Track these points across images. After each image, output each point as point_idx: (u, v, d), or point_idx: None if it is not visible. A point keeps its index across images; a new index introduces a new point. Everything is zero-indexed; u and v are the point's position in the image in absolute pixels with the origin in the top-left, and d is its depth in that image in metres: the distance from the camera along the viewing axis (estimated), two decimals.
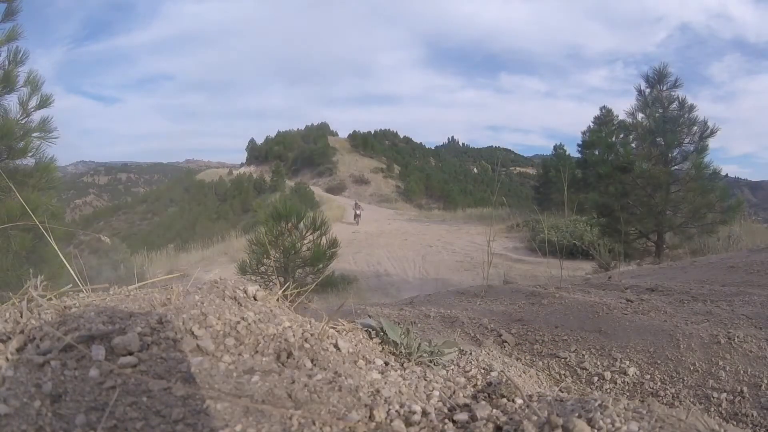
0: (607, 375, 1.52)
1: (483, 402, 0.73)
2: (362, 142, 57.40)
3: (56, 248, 1.50)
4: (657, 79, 8.71)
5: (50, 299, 0.88)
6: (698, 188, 7.97)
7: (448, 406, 0.71)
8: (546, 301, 2.19)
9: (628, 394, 1.43)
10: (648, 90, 8.82)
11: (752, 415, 1.27)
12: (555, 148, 23.90)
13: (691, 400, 1.37)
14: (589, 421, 0.61)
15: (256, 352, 0.76)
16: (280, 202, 6.90)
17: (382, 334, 1.16)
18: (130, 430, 0.54)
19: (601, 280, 3.02)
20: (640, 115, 8.92)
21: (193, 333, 0.75)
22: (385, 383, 0.75)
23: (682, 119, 8.42)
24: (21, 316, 0.77)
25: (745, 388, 1.36)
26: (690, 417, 0.67)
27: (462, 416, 0.65)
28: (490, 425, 0.63)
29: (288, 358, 0.76)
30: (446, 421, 0.65)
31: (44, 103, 4.14)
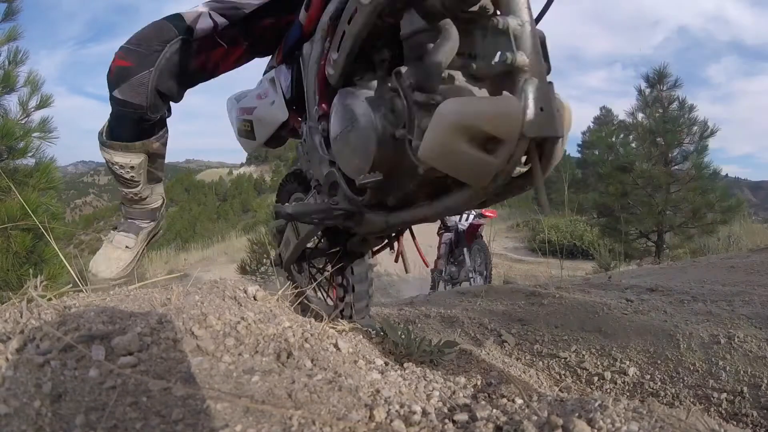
0: (607, 375, 1.52)
1: (483, 402, 0.73)
2: None
3: (56, 248, 1.51)
4: (657, 79, 8.72)
5: (50, 299, 0.88)
6: (698, 188, 7.96)
7: (448, 406, 0.71)
8: (546, 301, 2.19)
9: (628, 394, 1.44)
10: (648, 90, 8.83)
11: (752, 415, 1.27)
12: None
13: (691, 400, 1.37)
14: (589, 422, 0.61)
15: (256, 352, 0.76)
16: None
17: (382, 334, 1.17)
18: (129, 430, 0.54)
19: (601, 280, 3.01)
20: (640, 115, 8.94)
21: (193, 333, 0.75)
22: (385, 383, 0.75)
23: (682, 119, 8.42)
24: (21, 316, 0.77)
25: (745, 388, 1.36)
26: (690, 417, 0.67)
27: (462, 416, 0.65)
28: (490, 425, 0.63)
29: (288, 358, 0.76)
30: (446, 421, 0.65)
31: (44, 103, 4.13)
